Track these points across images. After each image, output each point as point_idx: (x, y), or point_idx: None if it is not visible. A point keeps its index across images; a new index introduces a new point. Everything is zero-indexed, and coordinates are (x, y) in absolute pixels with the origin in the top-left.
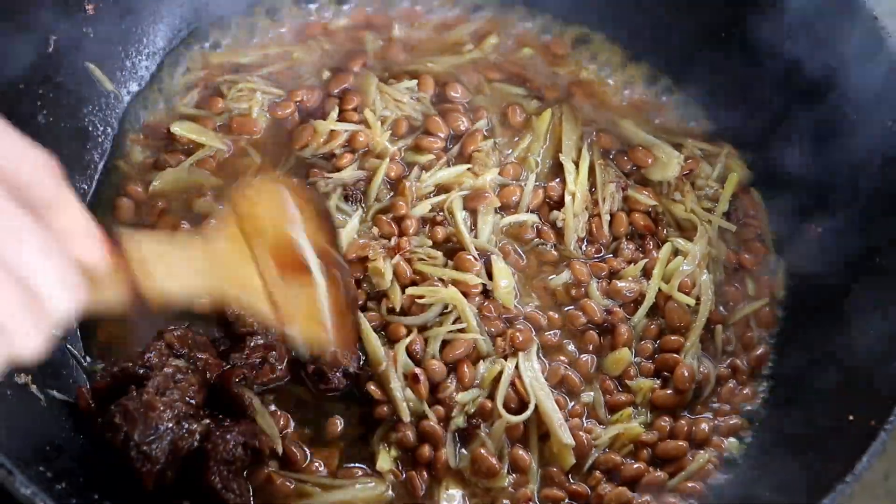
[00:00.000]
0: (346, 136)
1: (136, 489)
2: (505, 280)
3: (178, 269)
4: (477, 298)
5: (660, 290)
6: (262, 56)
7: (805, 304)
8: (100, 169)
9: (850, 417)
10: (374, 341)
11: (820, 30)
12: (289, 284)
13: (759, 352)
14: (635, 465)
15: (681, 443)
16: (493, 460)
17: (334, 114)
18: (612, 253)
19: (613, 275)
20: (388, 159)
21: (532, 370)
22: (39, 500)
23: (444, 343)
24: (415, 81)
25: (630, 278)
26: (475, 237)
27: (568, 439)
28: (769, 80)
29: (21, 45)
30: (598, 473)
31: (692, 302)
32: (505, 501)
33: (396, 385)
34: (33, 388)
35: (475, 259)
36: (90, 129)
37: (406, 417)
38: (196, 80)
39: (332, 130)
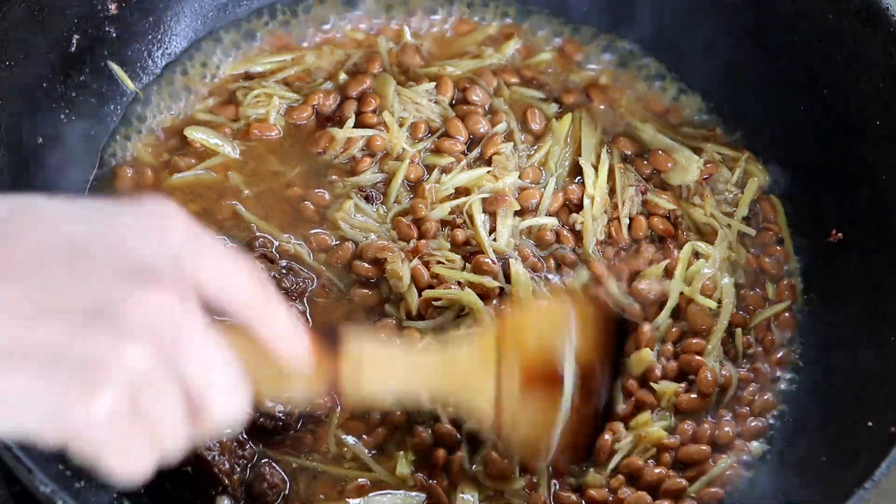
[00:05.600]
0: (364, 141)
1: (154, 486)
2: (522, 284)
3: (391, 378)
4: (494, 301)
5: (681, 293)
6: (276, 62)
7: (822, 310)
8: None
9: (869, 424)
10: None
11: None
12: (528, 396)
13: (779, 355)
14: (657, 470)
15: (703, 447)
16: (506, 463)
17: (351, 121)
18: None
19: (634, 276)
20: (407, 161)
21: None
22: (59, 499)
23: None
24: (433, 84)
25: (651, 278)
26: (494, 240)
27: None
28: (792, 85)
29: (44, 44)
30: (620, 476)
31: (714, 305)
32: None
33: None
34: None
35: (493, 262)
36: (111, 127)
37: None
38: (213, 86)
39: (349, 137)
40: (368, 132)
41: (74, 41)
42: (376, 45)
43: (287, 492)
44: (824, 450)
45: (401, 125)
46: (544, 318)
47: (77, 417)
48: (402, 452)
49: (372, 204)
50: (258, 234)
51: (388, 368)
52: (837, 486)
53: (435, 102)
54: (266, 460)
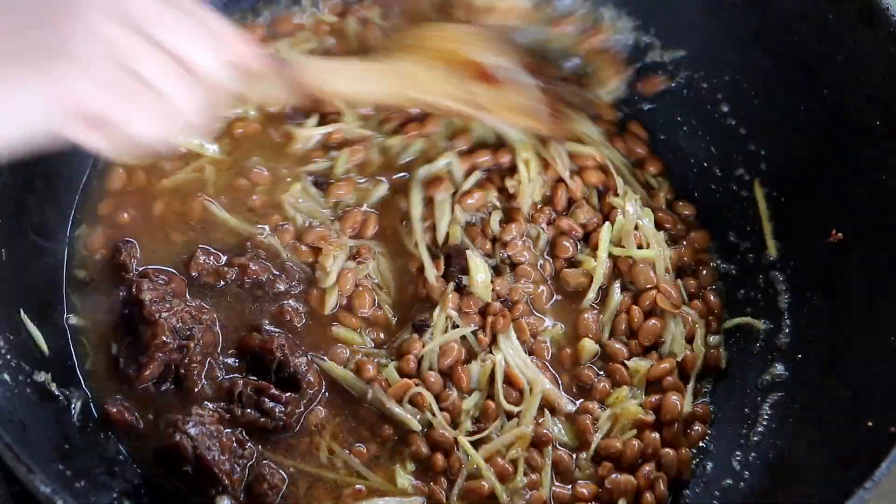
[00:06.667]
0: (321, 136)
1: (154, 486)
2: (481, 275)
3: (351, 81)
4: (451, 296)
5: (619, 257)
6: None
7: (820, 307)
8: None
9: (869, 423)
10: (349, 379)
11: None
12: (489, 88)
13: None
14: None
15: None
16: (504, 462)
17: (314, 120)
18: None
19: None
20: (348, 149)
21: (513, 349)
22: (59, 499)
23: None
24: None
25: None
26: (432, 226)
27: (569, 406)
28: (792, 85)
29: None
30: (606, 463)
31: (652, 254)
32: (520, 503)
33: (392, 403)
34: (52, 386)
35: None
36: None
37: (416, 426)
38: None
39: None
40: (324, 129)
41: None
42: (345, 31)
43: (286, 491)
44: (824, 450)
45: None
46: (446, 35)
47: (74, 89)
48: (397, 466)
49: (319, 189)
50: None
51: (342, 74)
52: (837, 486)
53: None
54: (266, 461)
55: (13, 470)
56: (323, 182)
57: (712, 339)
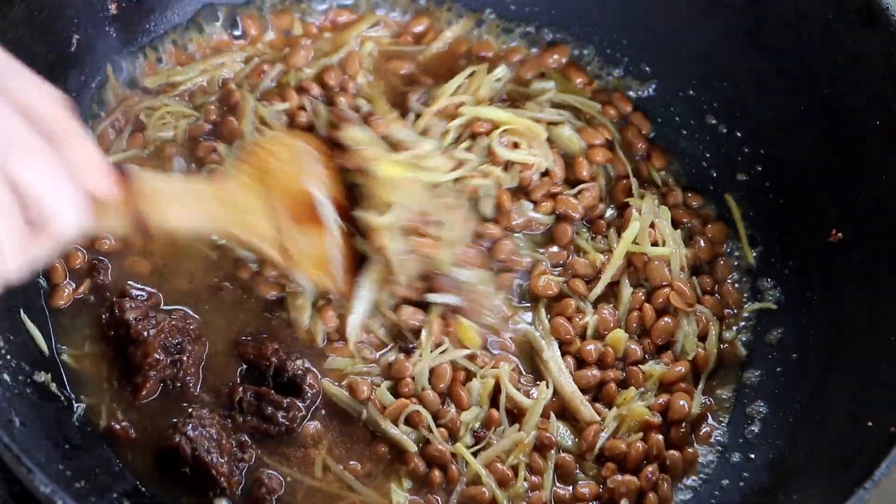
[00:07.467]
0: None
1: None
2: (471, 335)
3: (184, 206)
4: (436, 325)
5: (633, 253)
6: (196, 72)
7: (819, 307)
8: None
9: (869, 423)
10: (344, 398)
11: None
12: (300, 233)
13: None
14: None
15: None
16: (504, 468)
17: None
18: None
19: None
20: None
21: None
22: (59, 499)
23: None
24: (287, 104)
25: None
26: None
27: (591, 416)
28: (792, 85)
29: (44, 44)
30: (610, 464)
31: (668, 252)
32: None
33: (387, 424)
34: (52, 386)
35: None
36: (116, 128)
37: (412, 447)
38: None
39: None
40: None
41: (74, 41)
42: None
43: (283, 496)
44: (824, 450)
45: None
46: (289, 154)
47: None
48: (393, 485)
49: None
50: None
51: (176, 197)
52: (837, 486)
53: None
54: (265, 466)
55: (13, 470)
56: None
57: (727, 334)
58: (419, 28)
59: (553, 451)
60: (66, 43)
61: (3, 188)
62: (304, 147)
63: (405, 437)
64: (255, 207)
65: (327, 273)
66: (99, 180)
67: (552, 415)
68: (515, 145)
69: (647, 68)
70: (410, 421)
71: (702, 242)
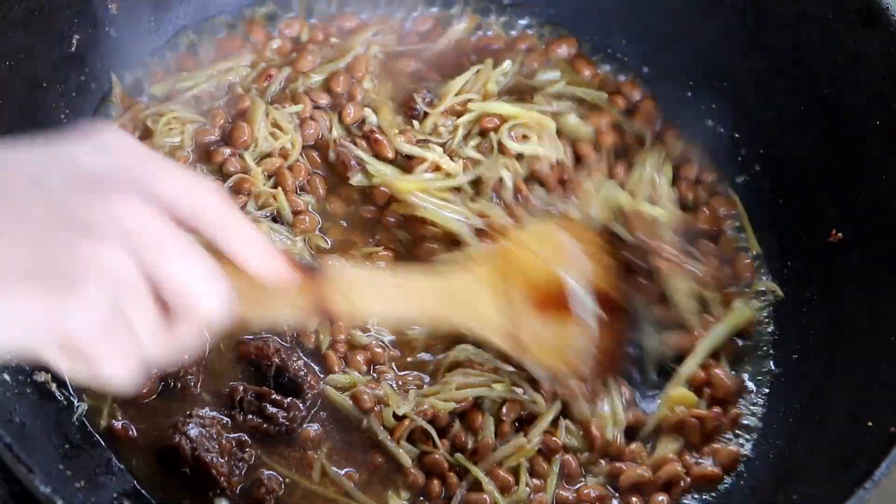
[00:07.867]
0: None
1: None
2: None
3: (387, 303)
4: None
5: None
6: (200, 77)
7: (820, 307)
8: None
9: (869, 423)
10: (346, 406)
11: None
12: (540, 322)
13: (746, 261)
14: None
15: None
16: (504, 473)
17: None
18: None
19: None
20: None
21: None
22: (59, 498)
23: None
24: (300, 106)
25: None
26: None
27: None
28: (792, 85)
29: (44, 44)
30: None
31: (662, 212)
32: None
33: (385, 436)
34: (52, 386)
35: None
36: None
37: (407, 462)
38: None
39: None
40: (229, 182)
41: (74, 41)
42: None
43: (283, 497)
44: (824, 450)
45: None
46: (544, 244)
47: (73, 322)
48: (390, 492)
49: (281, 223)
50: None
51: (377, 289)
52: (837, 486)
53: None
54: (264, 466)
55: (13, 470)
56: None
57: (737, 302)
58: (424, 27)
59: (558, 456)
60: (67, 43)
61: (140, 280)
62: (566, 238)
63: (403, 452)
64: (485, 299)
65: (567, 364)
66: (264, 266)
67: (561, 420)
68: (525, 137)
69: (646, 68)
70: (413, 438)
71: (706, 211)
